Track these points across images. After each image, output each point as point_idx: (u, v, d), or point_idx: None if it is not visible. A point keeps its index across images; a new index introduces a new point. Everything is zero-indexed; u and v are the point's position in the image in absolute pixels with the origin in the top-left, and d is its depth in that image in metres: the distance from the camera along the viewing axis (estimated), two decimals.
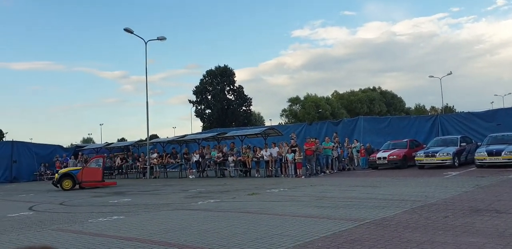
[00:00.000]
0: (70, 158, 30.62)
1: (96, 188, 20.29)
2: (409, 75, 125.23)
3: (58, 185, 20.21)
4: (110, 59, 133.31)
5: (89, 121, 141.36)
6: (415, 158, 20.11)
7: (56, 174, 21.09)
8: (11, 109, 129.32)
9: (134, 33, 27.60)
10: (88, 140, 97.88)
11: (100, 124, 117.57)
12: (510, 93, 77.97)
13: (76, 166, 29.60)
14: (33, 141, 35.99)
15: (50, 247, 1.23)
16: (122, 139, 76.60)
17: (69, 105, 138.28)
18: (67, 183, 20.09)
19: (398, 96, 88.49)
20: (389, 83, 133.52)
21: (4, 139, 67.87)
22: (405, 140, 22.65)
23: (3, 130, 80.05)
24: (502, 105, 62.43)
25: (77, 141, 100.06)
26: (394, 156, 21.06)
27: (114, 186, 21.07)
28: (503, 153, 17.43)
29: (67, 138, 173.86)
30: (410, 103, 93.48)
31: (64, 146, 36.88)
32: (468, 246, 5.47)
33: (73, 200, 15.05)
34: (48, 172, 30.23)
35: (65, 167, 29.88)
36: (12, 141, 31.54)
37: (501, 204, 8.70)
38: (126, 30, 27.28)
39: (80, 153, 31.68)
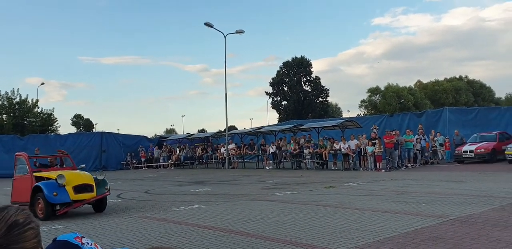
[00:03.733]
0: (155, 148, 32.18)
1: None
2: (500, 63, 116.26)
3: None
4: (192, 53, 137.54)
5: (172, 112, 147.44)
6: (506, 152, 18.84)
7: None
8: (100, 101, 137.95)
9: (214, 27, 28.27)
10: (170, 131, 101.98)
11: (182, 116, 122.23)
12: None
13: (161, 155, 31.10)
14: (120, 132, 38.23)
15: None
16: (202, 130, 79.22)
17: (154, 97, 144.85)
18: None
19: (487, 85, 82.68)
20: (476, 72, 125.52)
21: (94, 130, 72.64)
22: (495, 132, 21.27)
23: (93, 121, 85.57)
24: None
25: (161, 132, 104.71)
26: (482, 150, 19.85)
27: None
28: None
29: (151, 129, 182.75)
30: (500, 93, 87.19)
31: (149, 137, 38.80)
32: None
33: (157, 188, 15.82)
34: (134, 161, 31.96)
35: (150, 156, 31.54)
36: (102, 132, 33.69)
37: None
38: (207, 24, 28.02)
39: (164, 144, 33.18)
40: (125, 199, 12.70)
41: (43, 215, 9.53)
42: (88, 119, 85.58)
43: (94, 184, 10.02)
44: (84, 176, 10.28)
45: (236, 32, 28.80)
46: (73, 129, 78.33)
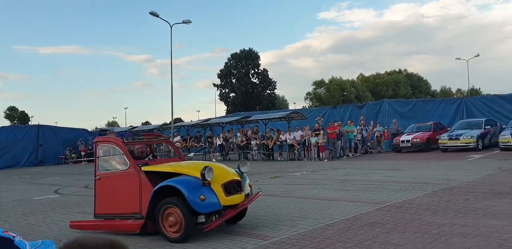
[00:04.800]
0: None
1: None
2: (436, 57, 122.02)
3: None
4: (137, 43, 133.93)
5: (115, 104, 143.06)
6: (439, 141, 19.86)
7: None
8: (38, 93, 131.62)
9: (159, 16, 27.61)
10: (112, 124, 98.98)
11: (124, 108, 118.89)
12: None
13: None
14: (58, 125, 36.79)
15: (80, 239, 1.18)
16: (147, 123, 77.59)
17: (96, 89, 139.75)
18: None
19: (424, 78, 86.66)
20: (415, 66, 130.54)
21: (30, 123, 69.42)
22: (429, 123, 22.29)
23: (28, 114, 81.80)
24: None
25: (102, 124, 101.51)
26: (418, 139, 20.79)
27: None
28: None
29: (92, 122, 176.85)
30: (436, 86, 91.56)
31: (89, 130, 37.58)
32: (487, 229, 5.43)
33: None
34: (73, 155, 30.89)
35: (90, 150, 30.53)
36: (38, 125, 32.24)
37: None
38: (152, 13, 27.30)
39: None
40: (64, 195, 12.27)
41: (178, 234, 5.85)
42: (23, 112, 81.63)
43: (241, 181, 6.49)
44: (227, 169, 6.56)
45: (183, 22, 28.29)
46: (7, 122, 74.63)
